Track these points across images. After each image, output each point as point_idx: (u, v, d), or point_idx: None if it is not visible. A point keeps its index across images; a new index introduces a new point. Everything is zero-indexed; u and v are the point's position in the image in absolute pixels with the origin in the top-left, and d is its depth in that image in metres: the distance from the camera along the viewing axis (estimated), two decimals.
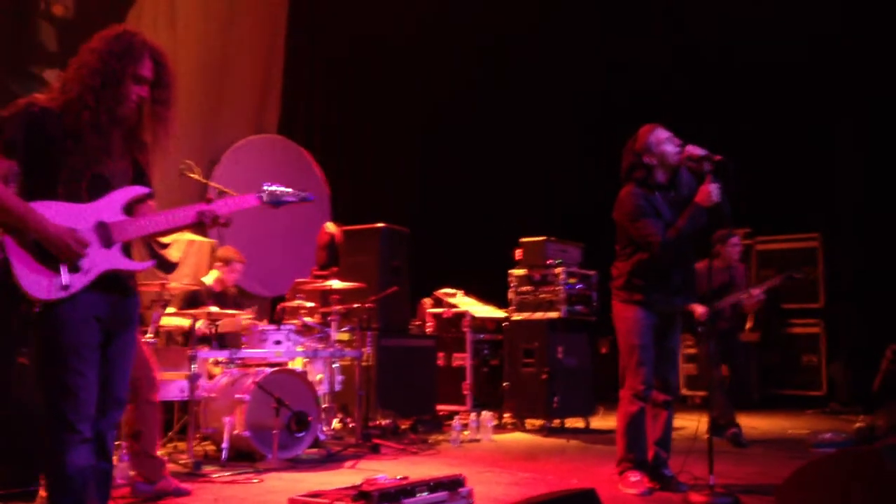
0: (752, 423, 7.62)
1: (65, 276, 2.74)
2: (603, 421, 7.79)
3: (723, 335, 6.82)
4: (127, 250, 2.93)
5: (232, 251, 6.73)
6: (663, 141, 4.55)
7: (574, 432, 7.35)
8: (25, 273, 2.72)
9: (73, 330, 2.76)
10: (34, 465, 4.05)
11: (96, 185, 2.86)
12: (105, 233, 2.85)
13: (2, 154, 2.76)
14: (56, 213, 2.76)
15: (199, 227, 3.04)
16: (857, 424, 6.62)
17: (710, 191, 4.41)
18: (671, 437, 4.71)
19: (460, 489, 3.89)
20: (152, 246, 7.20)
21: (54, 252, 2.73)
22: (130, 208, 2.94)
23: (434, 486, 3.79)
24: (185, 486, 4.66)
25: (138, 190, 2.97)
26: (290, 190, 3.25)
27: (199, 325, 5.90)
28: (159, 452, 5.66)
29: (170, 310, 6.22)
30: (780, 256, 10.01)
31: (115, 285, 2.90)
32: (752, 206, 8.01)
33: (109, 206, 2.88)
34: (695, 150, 4.50)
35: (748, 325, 9.15)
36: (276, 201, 3.22)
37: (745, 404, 9.12)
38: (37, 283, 2.72)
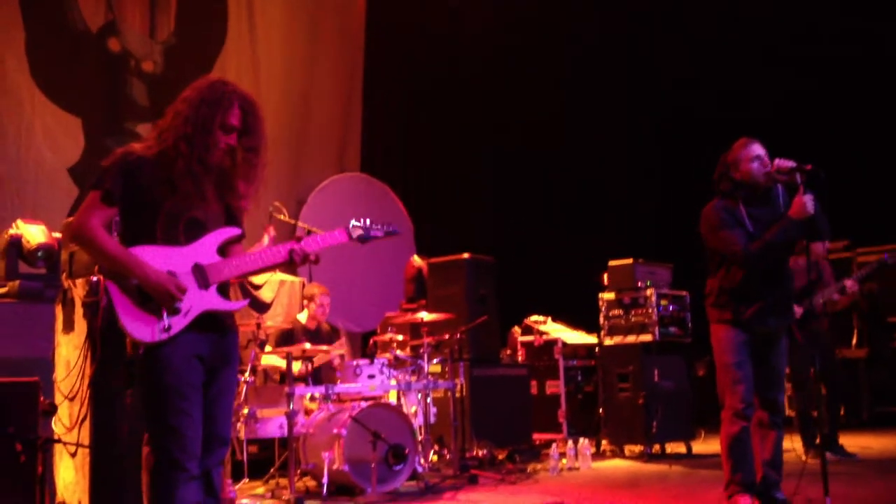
0: (864, 443, 7.26)
1: (165, 319, 2.83)
2: (705, 445, 7.56)
3: (819, 350, 6.54)
4: (223, 291, 3.01)
5: (314, 286, 6.85)
6: (751, 158, 4.43)
7: (675, 458, 7.15)
8: (129, 317, 2.82)
9: (175, 370, 2.84)
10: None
11: (192, 229, 2.96)
12: (201, 274, 2.94)
13: (103, 203, 2.87)
14: (154, 257, 2.86)
15: (290, 265, 3.10)
16: None
17: (804, 202, 4.25)
18: (782, 458, 4.52)
19: None
20: (245, 287, 7.38)
21: (155, 297, 2.82)
22: (224, 250, 3.03)
23: None
24: None
25: (231, 231, 3.06)
26: (377, 225, 3.29)
27: (297, 367, 5.99)
28: (260, 490, 5.77)
29: (267, 349, 6.36)
30: (882, 268, 9.58)
31: (214, 325, 2.98)
32: (851, 216, 7.73)
33: (204, 249, 2.97)
34: (784, 163, 4.36)
35: (854, 341, 8.82)
36: (364, 237, 3.26)
37: (855, 424, 8.76)
38: (139, 326, 2.82)
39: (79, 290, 4.54)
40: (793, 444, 5.54)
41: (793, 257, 4.81)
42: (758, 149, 4.45)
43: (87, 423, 4.36)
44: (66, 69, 8.02)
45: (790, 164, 4.34)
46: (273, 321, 7.05)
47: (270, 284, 7.94)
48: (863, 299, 8.01)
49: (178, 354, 2.84)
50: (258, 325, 6.27)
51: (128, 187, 2.88)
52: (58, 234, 4.67)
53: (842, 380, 7.02)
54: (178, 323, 2.85)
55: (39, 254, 4.47)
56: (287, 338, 6.58)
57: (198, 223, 2.97)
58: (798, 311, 6.07)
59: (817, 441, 6.28)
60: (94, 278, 4.45)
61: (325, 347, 6.22)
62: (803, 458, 6.13)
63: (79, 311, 4.54)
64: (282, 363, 6.31)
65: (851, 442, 6.78)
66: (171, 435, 2.81)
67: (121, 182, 2.87)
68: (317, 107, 10.09)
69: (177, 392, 2.83)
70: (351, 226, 3.25)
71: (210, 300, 2.94)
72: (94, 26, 8.22)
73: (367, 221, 3.28)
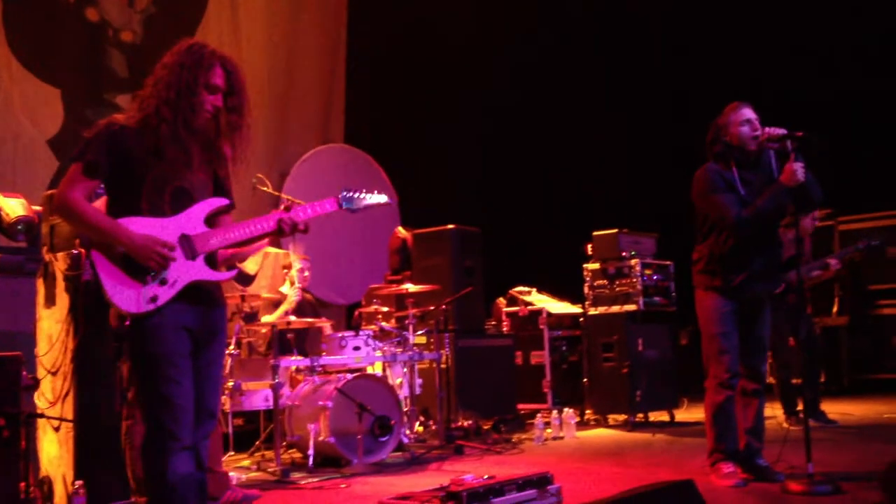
0: (845, 410, 7.36)
1: (152, 286, 2.79)
2: (688, 413, 7.63)
3: (800, 320, 6.60)
4: (211, 261, 2.97)
5: (291, 255, 6.82)
6: (741, 121, 4.44)
7: (659, 426, 7.22)
8: (115, 288, 2.78)
9: (164, 340, 2.82)
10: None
11: (178, 198, 2.91)
12: (189, 245, 2.89)
13: (86, 175, 2.83)
14: (141, 227, 2.82)
15: (278, 234, 3.07)
16: None
17: (795, 169, 4.26)
18: (763, 426, 4.58)
19: (549, 486, 3.84)
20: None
21: (143, 262, 2.78)
22: (211, 220, 2.99)
23: (522, 484, 3.75)
24: (252, 492, 4.69)
25: (219, 201, 3.01)
26: (367, 193, 3.26)
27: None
28: (245, 462, 5.78)
29: (267, 318, 6.34)
30: (864, 235, 9.63)
31: (202, 296, 2.94)
32: (833, 184, 7.75)
33: (192, 219, 2.92)
34: (774, 131, 4.37)
35: (835, 309, 8.90)
36: (354, 206, 3.23)
37: (835, 390, 8.86)
38: (126, 296, 2.78)
39: (60, 263, 4.50)
40: (774, 412, 5.61)
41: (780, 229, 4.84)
42: (748, 112, 4.46)
43: (70, 398, 4.34)
44: (45, 39, 7.88)
45: (781, 131, 4.35)
46: (258, 293, 7.03)
47: (255, 256, 7.90)
48: (844, 268, 8.07)
49: (166, 325, 2.82)
50: (242, 298, 6.25)
51: (111, 158, 2.83)
52: (38, 208, 4.61)
53: (821, 347, 7.09)
54: (165, 293, 2.82)
55: (19, 227, 4.41)
56: (278, 307, 6.59)
57: (184, 192, 2.92)
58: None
59: (798, 408, 6.37)
60: (76, 251, 4.41)
61: (309, 319, 6.22)
62: (784, 425, 6.22)
63: (60, 284, 4.50)
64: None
65: (832, 409, 6.87)
66: (163, 404, 2.79)
67: (104, 153, 2.83)
68: (300, 77, 9.98)
69: (167, 361, 2.81)
70: (342, 194, 3.21)
71: (198, 271, 2.90)
72: None
73: (358, 192, 3.25)
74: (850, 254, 6.97)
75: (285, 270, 6.93)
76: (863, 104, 9.52)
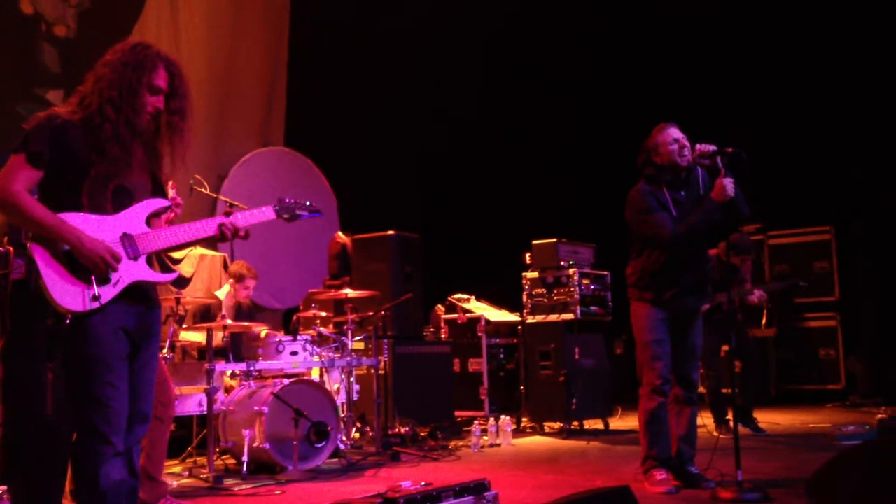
0: (772, 419, 7.56)
1: (95, 288, 2.73)
2: (622, 421, 7.74)
3: (734, 330, 6.78)
4: (151, 262, 2.94)
5: (244, 267, 6.70)
6: (670, 141, 4.55)
7: (594, 434, 7.31)
8: (56, 285, 2.71)
9: (103, 341, 2.76)
10: (58, 485, 4.01)
11: (119, 197, 2.87)
12: (131, 244, 2.85)
13: (29, 165, 2.76)
14: (83, 224, 2.76)
15: (220, 240, 3.07)
16: (880, 416, 6.57)
17: (725, 185, 4.38)
18: (696, 433, 4.68)
19: (486, 493, 3.84)
20: (164, 260, 7.20)
21: (88, 265, 2.73)
22: (149, 221, 2.95)
23: (459, 490, 3.73)
24: (184, 503, 4.58)
25: (160, 202, 2.99)
26: (305, 203, 3.30)
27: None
28: (177, 468, 5.66)
29: (185, 325, 6.22)
30: (792, 250, 9.96)
31: (141, 297, 2.90)
32: (764, 199, 7.98)
33: (133, 218, 2.89)
34: (705, 147, 4.48)
35: (763, 321, 9.14)
36: (290, 215, 3.27)
37: (763, 400, 9.09)
38: (68, 294, 2.71)
39: None
40: (703, 421, 5.73)
41: (717, 252, 4.98)
42: (675, 132, 4.58)
43: None
44: None
45: (711, 147, 4.46)
46: (192, 296, 6.90)
47: (190, 259, 7.76)
48: (779, 285, 8.37)
49: (106, 325, 2.76)
50: (177, 301, 6.11)
51: (54, 150, 2.77)
52: None
53: (757, 357, 7.30)
54: (108, 293, 2.76)
55: None
56: (206, 314, 6.45)
57: (125, 191, 2.88)
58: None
59: (728, 417, 6.53)
60: (3, 249, 4.26)
61: (245, 323, 6.12)
62: (714, 433, 6.35)
63: None
64: (200, 338, 6.18)
65: (761, 418, 7.05)
66: (97, 407, 2.72)
67: (47, 144, 2.76)
68: (240, 78, 9.87)
69: (103, 363, 2.74)
70: (279, 203, 3.24)
71: (140, 271, 2.86)
72: None
73: (294, 200, 3.29)
74: (775, 287, 7.28)
75: (232, 280, 6.75)
76: (793, 120, 9.81)
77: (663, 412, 4.58)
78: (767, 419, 7.37)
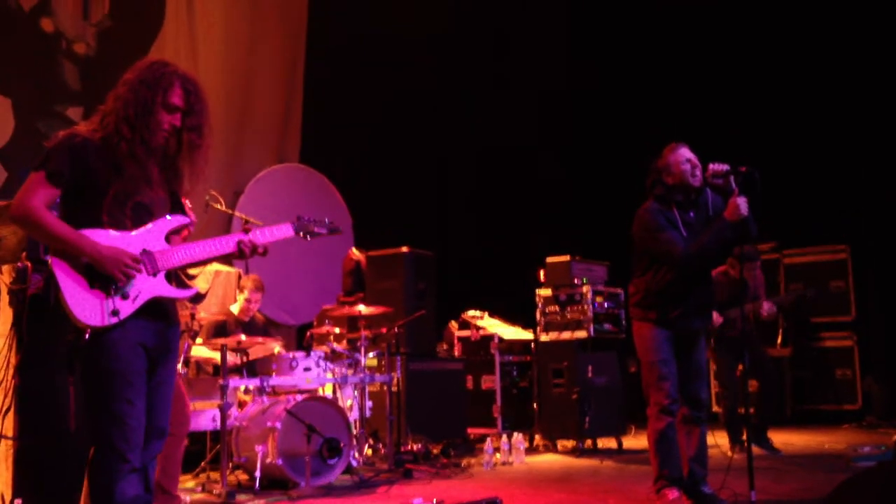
0: (787, 440, 7.50)
1: (114, 302, 2.76)
2: (635, 440, 7.71)
3: (749, 349, 6.74)
4: (170, 278, 2.96)
5: (249, 279, 6.73)
6: (682, 161, 4.53)
7: (607, 453, 7.27)
8: (76, 299, 2.74)
9: (122, 356, 2.78)
10: (74, 500, 4.04)
11: (138, 214, 2.91)
12: (151, 261, 2.89)
13: (48, 183, 2.80)
14: (104, 240, 2.80)
15: (238, 257, 3.08)
16: None
17: (738, 204, 4.36)
18: (707, 453, 4.64)
19: None
20: (180, 276, 7.24)
21: (108, 272, 2.75)
22: (169, 237, 2.98)
23: None
24: None
25: (181, 219, 3.03)
26: (325, 220, 3.30)
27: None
28: (190, 483, 5.67)
29: (198, 340, 6.25)
30: (808, 269, 9.89)
31: (160, 313, 2.93)
32: (779, 218, 7.97)
33: (153, 235, 2.92)
34: (718, 167, 4.46)
35: (779, 341, 9.08)
36: (308, 233, 3.27)
37: (779, 420, 9.02)
38: (87, 309, 2.74)
39: (5, 276, 4.39)
40: (716, 440, 5.70)
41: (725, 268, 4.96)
42: (686, 152, 4.57)
43: (11, 414, 4.23)
44: None
45: (724, 167, 4.45)
46: (207, 312, 6.94)
47: (205, 275, 7.79)
48: (788, 298, 8.31)
49: (125, 341, 2.79)
50: (192, 316, 6.15)
51: (74, 169, 2.81)
52: None
53: (774, 376, 7.24)
54: (127, 308, 2.79)
55: None
56: (220, 329, 6.48)
57: (144, 208, 2.92)
58: (717, 319, 6.38)
59: (743, 437, 6.48)
60: (22, 265, 4.31)
61: (260, 339, 6.15)
62: (729, 453, 6.31)
63: (4, 298, 4.39)
64: (213, 355, 6.21)
65: (775, 438, 6.99)
66: (114, 423, 2.75)
67: (67, 163, 2.80)
68: (257, 96, 9.95)
69: (122, 379, 2.77)
70: (297, 221, 3.25)
71: (159, 287, 2.89)
72: (27, 5, 7.96)
73: (313, 218, 3.30)
74: (785, 300, 7.34)
75: (239, 290, 6.81)
76: (809, 139, 9.78)
77: (672, 432, 4.55)
78: (782, 439, 7.31)
